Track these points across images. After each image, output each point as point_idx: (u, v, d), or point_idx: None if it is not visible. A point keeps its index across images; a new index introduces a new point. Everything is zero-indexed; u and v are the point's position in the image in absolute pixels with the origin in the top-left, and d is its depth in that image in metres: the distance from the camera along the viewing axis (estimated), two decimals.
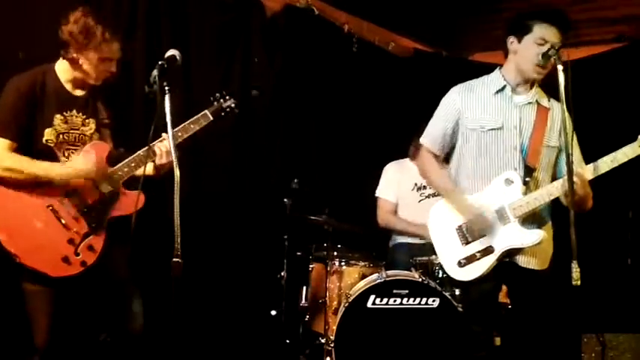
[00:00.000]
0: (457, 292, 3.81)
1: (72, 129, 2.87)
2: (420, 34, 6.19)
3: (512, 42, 3.04)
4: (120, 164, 2.90)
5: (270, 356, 4.46)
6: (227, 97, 3.21)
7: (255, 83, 4.83)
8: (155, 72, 2.39)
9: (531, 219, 2.99)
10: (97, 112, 2.98)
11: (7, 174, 2.72)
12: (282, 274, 4.45)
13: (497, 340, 3.55)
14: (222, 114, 3.19)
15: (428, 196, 4.61)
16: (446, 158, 3.24)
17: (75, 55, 2.83)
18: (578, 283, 2.50)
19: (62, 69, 2.91)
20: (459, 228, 3.06)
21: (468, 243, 3.02)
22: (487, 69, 3.21)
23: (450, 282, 3.89)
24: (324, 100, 5.42)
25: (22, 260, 2.70)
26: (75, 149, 2.88)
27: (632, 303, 4.56)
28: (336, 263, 4.32)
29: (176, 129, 2.93)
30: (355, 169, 5.46)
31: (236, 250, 4.62)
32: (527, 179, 2.97)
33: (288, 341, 4.41)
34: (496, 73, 3.12)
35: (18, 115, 2.76)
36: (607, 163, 2.87)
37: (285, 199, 4.53)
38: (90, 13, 2.83)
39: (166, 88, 2.39)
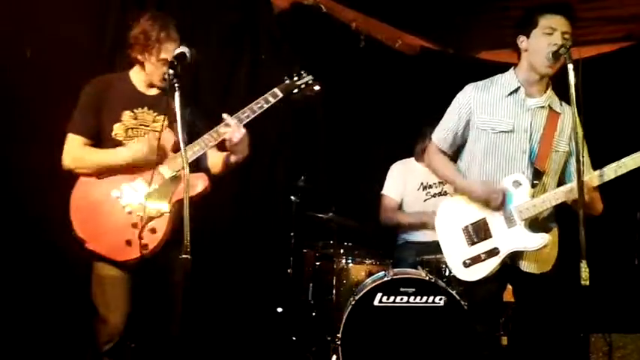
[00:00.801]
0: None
1: (141, 125, 2.97)
2: (426, 32, 6.18)
3: (522, 41, 3.03)
4: (181, 150, 2.87)
5: (276, 353, 4.46)
6: (302, 74, 3.16)
7: (262, 80, 4.84)
8: (165, 69, 2.39)
9: (537, 222, 3.00)
10: (168, 108, 2.94)
11: (81, 164, 2.90)
12: (289, 271, 4.46)
13: (504, 340, 3.55)
14: (296, 91, 3.14)
15: (434, 195, 4.62)
16: (454, 157, 3.23)
17: (138, 56, 2.96)
18: (587, 283, 2.50)
19: (135, 72, 3.05)
20: (466, 228, 3.06)
21: (473, 244, 3.03)
22: (493, 67, 3.21)
23: (456, 281, 3.90)
24: (330, 97, 5.42)
25: (88, 245, 2.82)
26: None
27: (639, 303, 4.55)
28: (343, 261, 4.32)
29: (242, 110, 3.01)
30: (362, 167, 5.46)
31: (243, 247, 4.62)
32: (535, 182, 2.97)
33: (294, 338, 4.41)
34: (510, 73, 3.10)
35: (87, 114, 2.94)
36: (613, 170, 2.85)
37: (292, 197, 4.54)
38: (151, 17, 2.97)
39: (176, 85, 2.39)
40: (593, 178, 2.86)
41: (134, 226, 2.83)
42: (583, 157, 2.80)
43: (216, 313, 4.35)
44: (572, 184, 2.85)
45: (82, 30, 3.78)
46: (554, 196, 2.91)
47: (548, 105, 3.04)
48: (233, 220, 4.61)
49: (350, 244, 4.51)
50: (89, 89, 2.99)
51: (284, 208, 4.56)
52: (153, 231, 2.85)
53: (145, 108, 2.99)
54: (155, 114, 3.00)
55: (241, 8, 4.81)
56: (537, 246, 2.93)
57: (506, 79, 3.09)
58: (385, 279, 3.86)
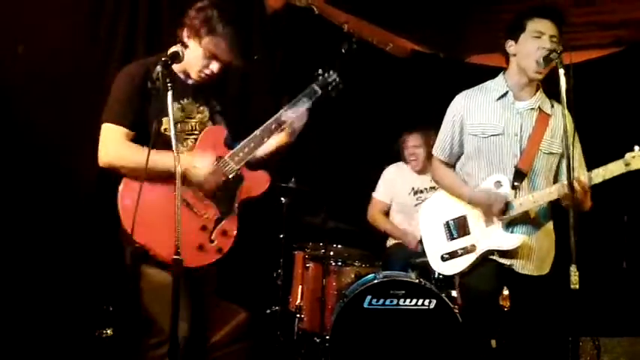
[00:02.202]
0: (453, 293, 3.82)
1: (187, 117, 2.77)
2: (418, 36, 6.21)
3: (510, 45, 3.04)
4: (237, 147, 2.80)
5: (265, 355, 4.45)
6: (330, 71, 3.14)
7: (253, 80, 4.85)
8: (159, 68, 2.37)
9: (528, 223, 3.01)
10: (209, 99, 2.88)
11: (123, 162, 2.58)
12: (279, 271, 4.46)
13: (493, 343, 3.56)
14: (329, 88, 3.12)
15: (424, 201, 4.62)
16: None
17: (185, 39, 2.75)
18: (577, 287, 2.51)
19: None
20: (446, 224, 3.14)
21: (452, 239, 3.11)
22: (484, 71, 3.23)
23: (446, 283, 3.92)
24: (321, 98, 5.42)
25: (154, 252, 2.55)
26: (193, 137, 2.78)
27: (627, 307, 4.58)
28: (333, 263, 4.32)
29: (284, 109, 2.98)
30: (352, 169, 5.46)
31: (232, 248, 4.60)
32: (515, 184, 2.98)
33: (283, 340, 4.40)
34: (499, 78, 3.12)
35: (132, 104, 2.63)
36: (601, 175, 2.83)
37: (283, 198, 4.54)
38: (216, 5, 2.75)
39: (169, 84, 2.36)
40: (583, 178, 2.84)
41: (203, 228, 2.68)
42: (574, 159, 2.85)
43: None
44: (552, 188, 2.90)
45: (74, 26, 3.77)
46: (532, 199, 2.94)
47: (538, 107, 3.06)
48: None
49: (340, 245, 4.51)
50: (134, 75, 2.66)
51: (274, 209, 4.55)
52: (224, 233, 2.73)
53: (190, 99, 2.78)
54: (197, 105, 2.81)
55: (235, 8, 4.80)
56: (512, 246, 2.97)
57: (495, 84, 3.11)
58: (375, 281, 3.86)
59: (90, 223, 3.66)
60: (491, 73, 3.20)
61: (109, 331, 2.90)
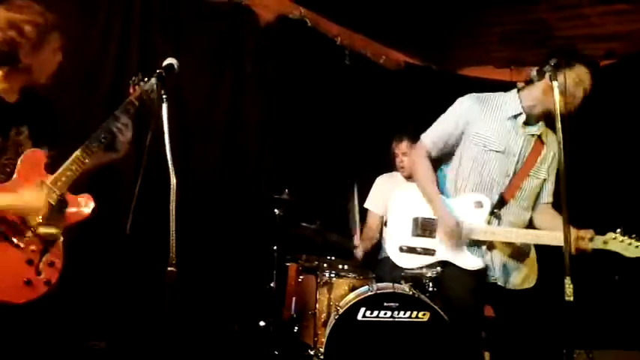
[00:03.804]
0: None
1: (6, 142, 2.56)
2: (411, 48, 6.24)
3: (549, 74, 2.99)
4: (61, 169, 2.60)
5: None
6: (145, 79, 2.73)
7: (245, 92, 4.86)
8: (153, 80, 2.36)
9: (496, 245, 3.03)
10: (30, 117, 2.66)
11: None
12: (272, 284, 4.44)
13: (487, 356, 3.55)
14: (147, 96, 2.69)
15: None
16: (439, 161, 3.26)
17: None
18: (572, 298, 2.51)
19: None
20: (416, 219, 3.18)
21: (416, 236, 3.17)
22: (476, 83, 3.25)
23: (440, 295, 3.91)
24: (315, 111, 5.44)
25: None
26: (12, 162, 2.57)
27: (619, 319, 4.58)
28: (326, 274, 4.30)
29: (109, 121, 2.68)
30: (346, 180, 5.47)
31: (225, 261, 4.60)
32: (495, 210, 3.00)
33: (276, 353, 4.38)
34: (514, 96, 3.10)
35: None
36: (601, 241, 2.95)
37: (276, 210, 4.53)
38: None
39: (164, 96, 2.36)
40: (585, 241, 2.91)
41: (29, 262, 2.51)
42: (549, 181, 3.05)
43: (198, 327, 4.32)
44: (529, 231, 3.00)
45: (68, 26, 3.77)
46: (506, 234, 2.97)
47: (540, 134, 3.07)
48: (216, 232, 4.58)
49: (333, 257, 4.50)
50: None
51: (267, 221, 4.54)
52: (51, 264, 2.57)
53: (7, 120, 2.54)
54: (18, 125, 2.58)
55: (227, 19, 4.82)
56: (471, 268, 3.02)
57: (509, 101, 3.09)
58: (369, 293, 3.84)
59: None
60: (483, 85, 3.21)
61: (101, 344, 2.86)
